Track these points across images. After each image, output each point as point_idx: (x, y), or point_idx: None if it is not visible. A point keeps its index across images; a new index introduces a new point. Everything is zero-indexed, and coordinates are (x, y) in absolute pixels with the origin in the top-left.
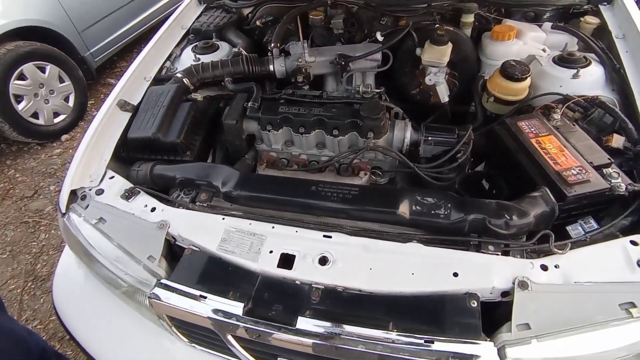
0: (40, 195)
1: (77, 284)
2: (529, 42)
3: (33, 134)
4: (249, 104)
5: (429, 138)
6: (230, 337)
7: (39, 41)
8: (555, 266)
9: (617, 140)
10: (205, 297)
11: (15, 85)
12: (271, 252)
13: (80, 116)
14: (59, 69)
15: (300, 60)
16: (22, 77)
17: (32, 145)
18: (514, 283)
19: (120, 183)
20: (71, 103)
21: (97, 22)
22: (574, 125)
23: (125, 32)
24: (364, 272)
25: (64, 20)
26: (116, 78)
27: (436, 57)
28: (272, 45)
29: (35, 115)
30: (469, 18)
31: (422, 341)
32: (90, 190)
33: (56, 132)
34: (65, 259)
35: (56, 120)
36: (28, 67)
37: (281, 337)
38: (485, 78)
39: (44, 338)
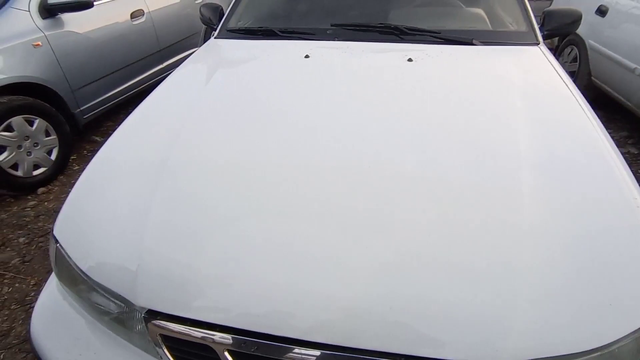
0: (8, 247)
1: (60, 320)
2: None
3: (8, 185)
4: None
5: None
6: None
7: (32, 96)
8: None
9: None
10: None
11: (0, 136)
12: None
13: (60, 170)
14: (46, 123)
15: None
16: (9, 128)
17: (4, 197)
18: None
19: None
20: (53, 157)
21: (91, 82)
22: None
23: (116, 93)
24: None
25: (60, 78)
26: (101, 136)
27: None
28: None
29: (14, 166)
30: None
31: None
32: None
33: (33, 184)
34: (47, 295)
35: (35, 172)
36: (17, 120)
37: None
38: None
39: None
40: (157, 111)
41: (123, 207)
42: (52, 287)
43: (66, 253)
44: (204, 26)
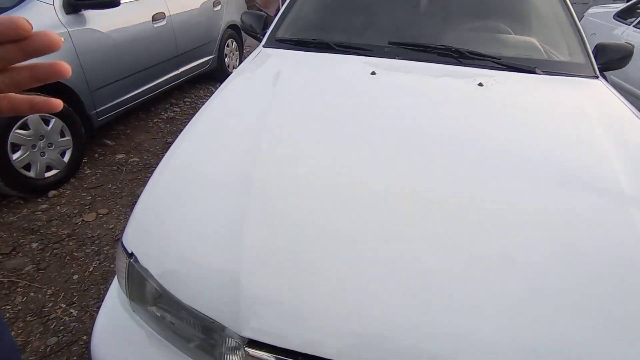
0: (20, 252)
1: (127, 342)
2: None
3: (20, 186)
4: None
5: None
6: None
7: (50, 94)
8: None
9: None
10: None
11: (15, 134)
12: None
13: (72, 173)
14: (62, 123)
15: None
16: (24, 126)
17: (13, 198)
18: None
19: None
20: (66, 158)
21: (110, 84)
22: None
23: (132, 96)
24: None
25: (79, 77)
26: (112, 139)
27: None
28: None
29: (27, 167)
30: None
31: None
32: None
33: (44, 187)
34: (109, 312)
35: (47, 174)
36: (33, 118)
37: None
38: None
39: None
40: (227, 120)
41: (212, 224)
42: (114, 304)
43: (148, 272)
44: (219, 35)
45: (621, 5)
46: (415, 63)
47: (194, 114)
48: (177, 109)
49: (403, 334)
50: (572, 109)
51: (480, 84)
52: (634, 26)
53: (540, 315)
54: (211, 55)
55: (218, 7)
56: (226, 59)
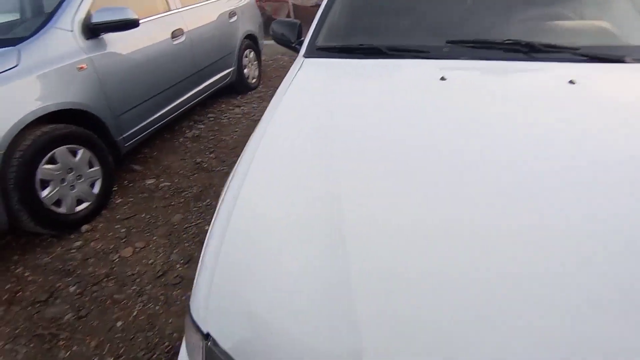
0: (57, 298)
1: None
2: None
3: (51, 223)
4: None
5: None
6: None
7: (74, 123)
8: None
9: None
10: None
11: (44, 170)
12: None
13: (103, 204)
14: (90, 153)
15: None
16: (52, 160)
17: (44, 237)
18: None
19: None
20: (97, 189)
21: (134, 107)
22: None
23: (157, 118)
24: None
25: (103, 103)
26: (140, 164)
27: None
28: None
29: (57, 202)
30: None
31: None
32: None
33: (76, 222)
34: None
35: (78, 208)
36: (61, 151)
37: None
38: None
39: None
40: (290, 152)
41: (308, 292)
42: None
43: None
44: (237, 46)
45: None
46: (483, 63)
47: (219, 130)
48: (202, 126)
49: None
50: None
51: (572, 82)
52: None
53: None
54: (231, 67)
55: (234, 18)
56: (245, 70)
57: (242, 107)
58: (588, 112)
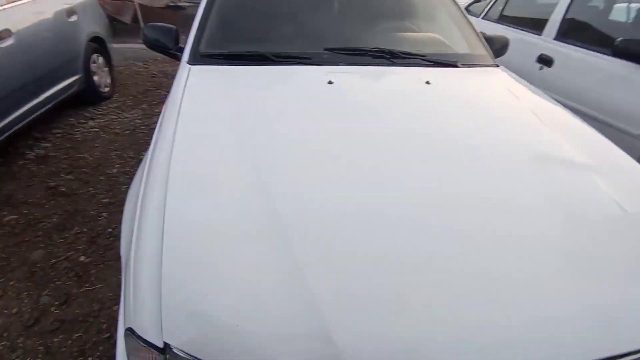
0: None
1: None
2: None
3: None
4: None
5: None
6: None
7: None
8: None
9: None
10: None
11: None
12: None
13: None
14: None
15: None
16: None
17: None
18: None
19: None
20: None
21: None
22: None
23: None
24: None
25: None
26: None
27: None
28: None
29: None
30: None
31: None
32: None
33: None
34: None
35: None
36: None
37: None
38: None
39: None
40: (206, 158)
41: (265, 283)
42: None
43: None
44: (82, 50)
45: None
46: (359, 68)
47: (73, 147)
48: (48, 144)
49: None
50: (502, 95)
51: (428, 82)
52: (482, 18)
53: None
54: (77, 75)
55: (74, 17)
56: (95, 78)
57: (97, 120)
58: (444, 104)
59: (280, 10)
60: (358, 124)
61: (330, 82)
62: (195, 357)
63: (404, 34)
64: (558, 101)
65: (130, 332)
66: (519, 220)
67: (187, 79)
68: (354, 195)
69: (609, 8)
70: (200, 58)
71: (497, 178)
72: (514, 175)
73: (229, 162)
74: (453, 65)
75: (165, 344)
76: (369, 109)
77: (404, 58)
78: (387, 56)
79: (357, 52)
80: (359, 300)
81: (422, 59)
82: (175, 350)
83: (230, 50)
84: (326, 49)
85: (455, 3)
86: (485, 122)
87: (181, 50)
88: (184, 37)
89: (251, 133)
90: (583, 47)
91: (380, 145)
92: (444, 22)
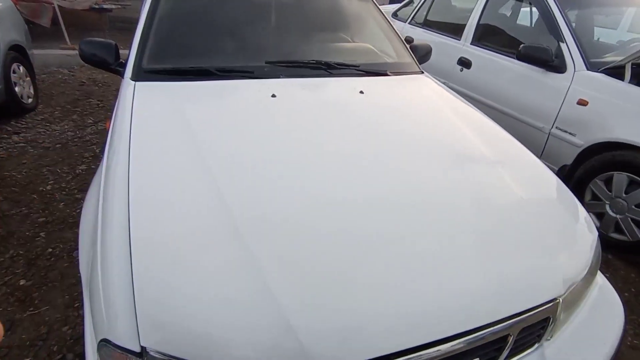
0: None
1: None
2: None
3: None
4: None
5: None
6: None
7: None
8: None
9: None
10: None
11: None
12: None
13: None
14: None
15: None
16: None
17: None
18: None
19: None
20: None
21: None
22: None
23: None
24: None
25: None
26: None
27: None
28: None
29: None
30: None
31: None
32: None
33: None
34: None
35: None
36: None
37: None
38: None
39: None
40: (165, 174)
41: (229, 282)
42: None
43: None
44: (1, 59)
45: (397, 5)
46: (299, 80)
47: None
48: None
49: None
50: (426, 99)
51: (362, 92)
52: (408, 23)
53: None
54: None
55: None
56: (17, 89)
57: (22, 134)
58: (377, 111)
59: (220, 24)
60: (301, 134)
61: (273, 95)
62: (172, 356)
63: (338, 44)
64: (476, 100)
65: (105, 342)
66: (442, 209)
67: (133, 96)
68: (300, 195)
69: (516, 13)
70: (144, 74)
71: (424, 174)
72: (438, 171)
73: (187, 177)
74: (383, 74)
75: (142, 347)
76: (310, 120)
77: (340, 68)
78: (324, 67)
79: (296, 65)
80: (311, 289)
81: (356, 69)
82: (152, 353)
83: (173, 65)
84: (267, 62)
85: (383, 15)
86: (412, 125)
87: (122, 65)
88: (110, 39)
89: (205, 147)
90: (494, 51)
91: (322, 153)
92: (375, 33)
